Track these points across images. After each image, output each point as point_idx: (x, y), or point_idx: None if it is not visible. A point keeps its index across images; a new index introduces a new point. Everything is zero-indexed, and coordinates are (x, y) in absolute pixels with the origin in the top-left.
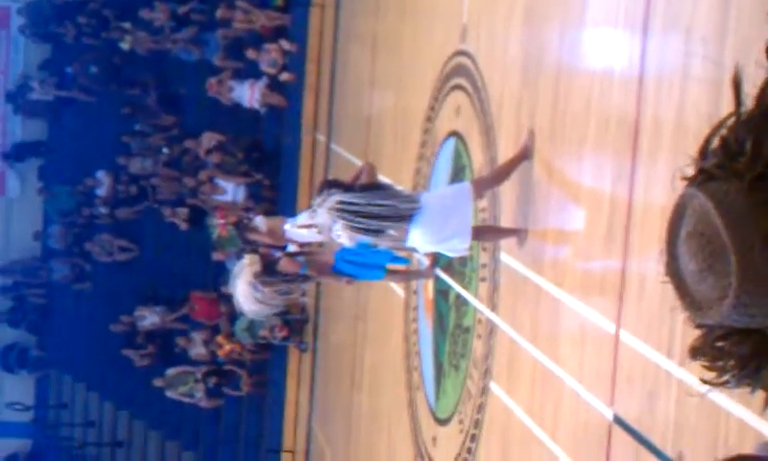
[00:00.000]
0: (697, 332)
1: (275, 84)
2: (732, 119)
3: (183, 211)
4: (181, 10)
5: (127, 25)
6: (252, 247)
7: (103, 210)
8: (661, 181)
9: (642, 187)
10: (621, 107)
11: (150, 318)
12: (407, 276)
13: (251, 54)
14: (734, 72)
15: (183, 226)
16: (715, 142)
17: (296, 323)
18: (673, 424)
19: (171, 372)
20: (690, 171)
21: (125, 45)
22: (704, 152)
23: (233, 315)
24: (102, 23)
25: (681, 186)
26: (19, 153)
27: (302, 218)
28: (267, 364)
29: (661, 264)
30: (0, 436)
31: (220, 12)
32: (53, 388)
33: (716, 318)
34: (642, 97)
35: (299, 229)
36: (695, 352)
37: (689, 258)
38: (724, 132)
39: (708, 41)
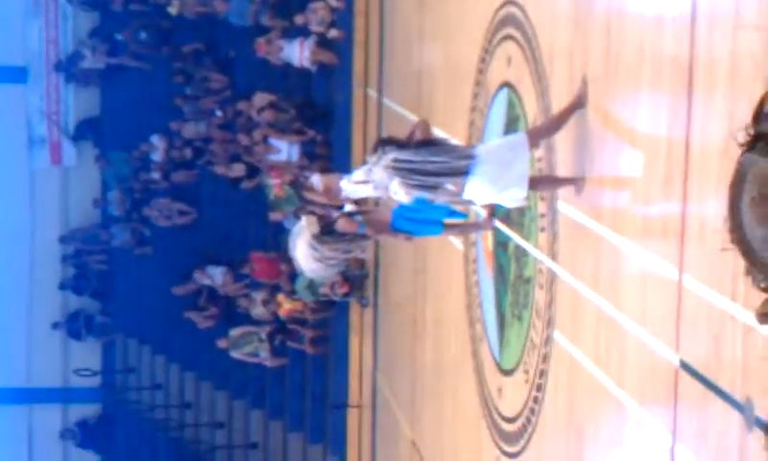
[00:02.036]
0: (763, 296)
1: (324, 42)
2: None
3: (240, 167)
4: None
5: None
6: (310, 206)
7: (158, 175)
8: (718, 123)
9: (699, 129)
10: (674, 49)
11: (215, 278)
12: (465, 229)
13: (299, 19)
14: None
15: (247, 184)
16: None
17: (356, 278)
18: (741, 368)
19: (235, 332)
20: (744, 136)
21: (172, 10)
22: (757, 116)
23: (294, 274)
24: None
25: (735, 151)
26: (81, 131)
27: (358, 175)
28: (329, 321)
29: (724, 232)
30: (70, 402)
31: None
32: (119, 353)
33: None
34: (695, 38)
35: (355, 185)
36: (765, 318)
37: (756, 224)
38: None
39: None
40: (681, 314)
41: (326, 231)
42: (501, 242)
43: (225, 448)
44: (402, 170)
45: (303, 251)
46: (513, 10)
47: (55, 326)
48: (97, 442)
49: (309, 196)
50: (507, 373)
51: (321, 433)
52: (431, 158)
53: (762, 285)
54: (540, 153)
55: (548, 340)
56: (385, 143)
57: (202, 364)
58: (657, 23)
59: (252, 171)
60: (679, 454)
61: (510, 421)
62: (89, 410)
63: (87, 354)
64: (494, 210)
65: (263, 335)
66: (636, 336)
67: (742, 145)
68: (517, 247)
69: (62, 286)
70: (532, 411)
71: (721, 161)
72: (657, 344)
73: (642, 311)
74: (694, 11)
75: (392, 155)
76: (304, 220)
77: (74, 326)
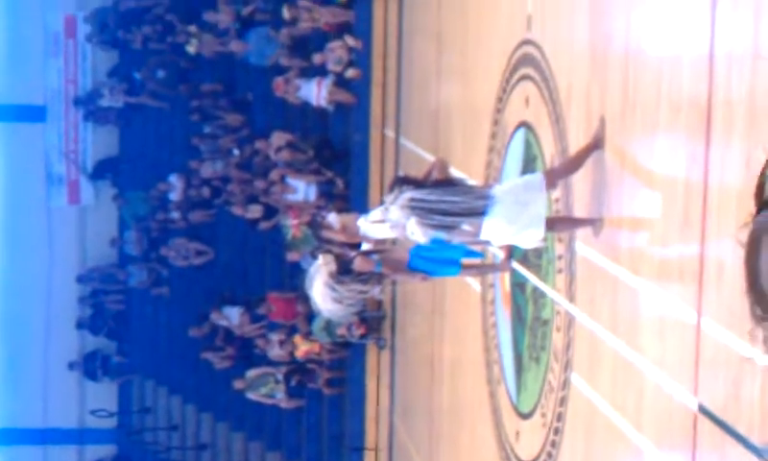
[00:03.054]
0: None
1: (341, 82)
2: None
3: (257, 208)
4: (245, 11)
5: (192, 28)
6: (327, 246)
7: (176, 215)
8: (736, 164)
9: (717, 170)
10: (692, 89)
11: (231, 319)
12: (483, 270)
13: (317, 59)
14: None
15: (264, 225)
16: None
17: (373, 320)
18: (759, 413)
19: (251, 373)
20: (752, 210)
21: (191, 49)
22: (761, 184)
23: (311, 315)
24: (167, 28)
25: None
26: (99, 171)
27: (375, 215)
28: (346, 362)
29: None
30: (86, 443)
31: (287, 13)
32: (135, 393)
33: None
34: (713, 79)
35: (372, 225)
36: None
37: None
38: None
39: None
40: (699, 357)
41: (343, 271)
42: (519, 283)
43: None
44: (419, 209)
45: (321, 290)
46: (530, 50)
47: (71, 366)
48: None
49: (326, 234)
50: (524, 416)
51: None
52: (448, 198)
53: None
54: (557, 193)
55: (566, 383)
56: (402, 182)
57: (218, 405)
58: (674, 63)
59: (270, 211)
60: None
61: None
62: (105, 451)
63: (104, 395)
64: (512, 251)
65: (279, 376)
66: (654, 379)
67: (751, 215)
68: (535, 288)
69: (79, 326)
70: (549, 455)
71: (739, 203)
72: (675, 387)
73: (660, 354)
74: (712, 50)
75: (408, 194)
76: (321, 259)
77: (90, 366)
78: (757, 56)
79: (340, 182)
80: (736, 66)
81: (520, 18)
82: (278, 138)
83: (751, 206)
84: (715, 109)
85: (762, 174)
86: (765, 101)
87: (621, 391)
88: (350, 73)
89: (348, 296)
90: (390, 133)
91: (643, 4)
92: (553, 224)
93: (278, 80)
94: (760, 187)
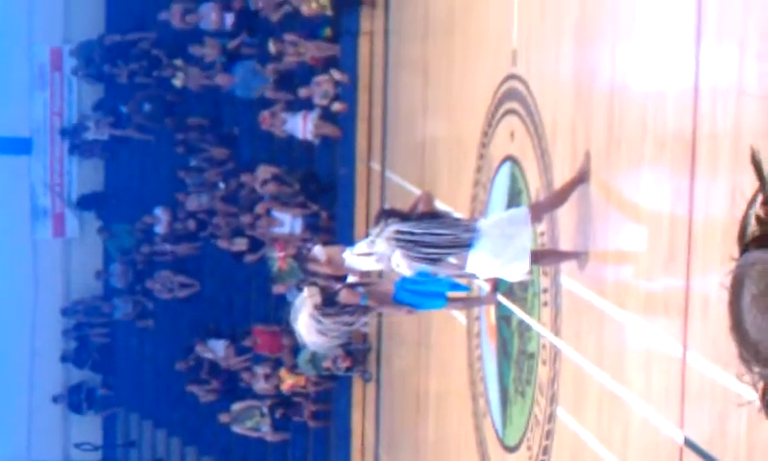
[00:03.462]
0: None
1: (327, 115)
2: (761, 194)
3: (242, 241)
4: (231, 45)
5: (178, 62)
6: (312, 278)
7: (162, 247)
8: (721, 198)
9: (702, 205)
10: (677, 124)
11: (216, 351)
12: (468, 303)
13: (303, 92)
14: (752, 153)
15: (249, 258)
16: (753, 217)
17: (358, 352)
18: (745, 446)
19: (237, 406)
20: (736, 253)
21: (177, 82)
22: (743, 228)
23: (296, 348)
24: (154, 61)
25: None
26: (85, 204)
27: (361, 247)
28: (331, 395)
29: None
30: None
31: (273, 47)
32: (120, 426)
33: None
34: (698, 113)
35: (357, 257)
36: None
37: (762, 317)
38: (759, 208)
39: (762, 56)
40: (685, 391)
41: (329, 303)
42: (504, 316)
43: None
44: (404, 242)
45: (306, 323)
46: (515, 84)
47: (55, 399)
48: None
49: (312, 267)
50: (510, 449)
51: None
52: (433, 231)
53: None
54: (543, 227)
55: (552, 416)
56: (388, 215)
57: (203, 439)
58: (659, 97)
59: (255, 244)
60: None
61: None
62: None
63: (88, 428)
64: (497, 284)
65: (265, 409)
66: (639, 413)
67: (734, 259)
68: (520, 322)
69: (64, 359)
70: None
71: (725, 237)
72: (661, 421)
73: (646, 387)
74: (697, 84)
75: (394, 226)
76: (306, 291)
77: (75, 398)
78: (742, 92)
79: (326, 215)
80: (721, 100)
81: (506, 53)
82: (264, 172)
83: (735, 249)
84: (700, 143)
85: (744, 218)
86: (750, 135)
87: (607, 424)
88: (336, 107)
89: (334, 328)
90: (376, 167)
91: (628, 39)
92: (538, 257)
93: (264, 113)
94: (742, 231)
